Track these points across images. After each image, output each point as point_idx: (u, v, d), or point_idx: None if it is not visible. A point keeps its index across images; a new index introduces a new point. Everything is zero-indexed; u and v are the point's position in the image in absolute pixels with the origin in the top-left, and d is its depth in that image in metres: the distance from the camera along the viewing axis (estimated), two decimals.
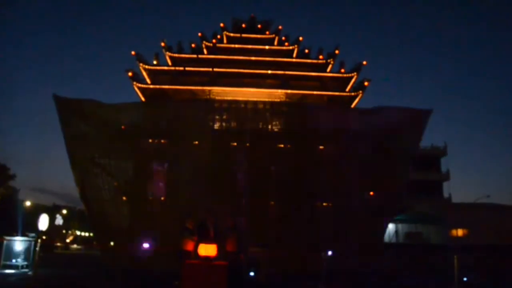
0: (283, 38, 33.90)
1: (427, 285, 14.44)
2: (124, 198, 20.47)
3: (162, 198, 19.83)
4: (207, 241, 7.92)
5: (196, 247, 8.53)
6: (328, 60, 31.52)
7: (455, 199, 47.22)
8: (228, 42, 33.70)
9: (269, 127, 20.60)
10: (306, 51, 32.75)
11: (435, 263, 20.72)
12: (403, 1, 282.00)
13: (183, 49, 32.27)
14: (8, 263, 15.91)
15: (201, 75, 30.22)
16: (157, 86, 29.68)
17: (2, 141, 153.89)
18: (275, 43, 33.73)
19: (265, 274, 13.56)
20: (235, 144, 20.41)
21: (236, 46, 32.67)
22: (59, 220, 60.68)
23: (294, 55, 32.59)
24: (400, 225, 38.82)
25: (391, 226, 35.94)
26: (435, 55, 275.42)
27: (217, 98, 28.26)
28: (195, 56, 31.60)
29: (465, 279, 13.33)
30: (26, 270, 15.51)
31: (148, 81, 30.44)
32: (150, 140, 20.53)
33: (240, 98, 26.98)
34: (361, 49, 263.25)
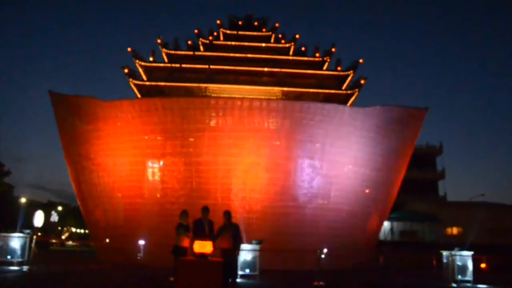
0: (280, 35, 33.84)
1: (422, 283, 14.51)
2: (119, 195, 20.46)
3: (158, 195, 19.83)
4: (203, 238, 7.91)
5: (191, 243, 8.52)
6: (325, 58, 31.54)
7: (450, 198, 47.57)
8: (224, 39, 33.65)
9: (265, 124, 20.56)
10: (303, 49, 32.75)
11: (430, 261, 20.82)
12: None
13: (180, 46, 32.20)
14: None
15: (197, 72, 30.20)
16: (153, 83, 29.71)
17: None
18: (272, 40, 33.69)
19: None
20: (231, 141, 20.39)
21: (233, 43, 32.63)
22: (54, 217, 60.36)
23: (291, 52, 32.57)
24: (395, 223, 39.10)
25: (386, 224, 36.18)
26: (432, 54, 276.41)
27: (213, 95, 28.24)
28: (191, 53, 31.55)
29: (459, 277, 13.46)
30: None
31: (144, 78, 30.41)
32: (146, 137, 20.48)
33: (236, 96, 26.99)
34: (358, 47, 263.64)
